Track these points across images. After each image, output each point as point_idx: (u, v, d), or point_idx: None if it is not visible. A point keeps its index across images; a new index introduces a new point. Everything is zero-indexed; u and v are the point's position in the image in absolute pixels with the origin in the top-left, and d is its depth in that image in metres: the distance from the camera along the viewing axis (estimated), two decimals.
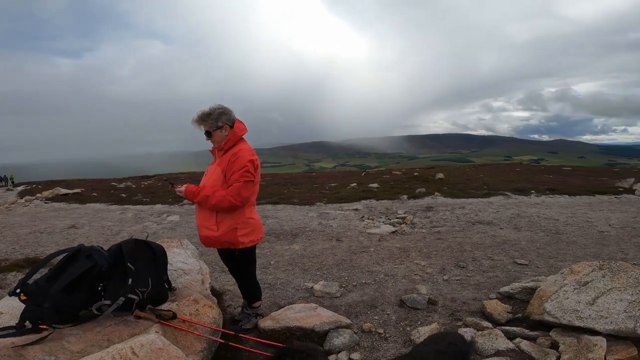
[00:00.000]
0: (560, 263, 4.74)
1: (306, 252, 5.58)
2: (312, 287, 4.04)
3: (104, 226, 8.45)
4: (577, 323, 2.54)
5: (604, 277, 2.80)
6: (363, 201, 10.50)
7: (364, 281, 4.25)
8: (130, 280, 2.16)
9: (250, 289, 3.07)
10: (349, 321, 3.01)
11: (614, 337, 2.42)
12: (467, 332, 2.82)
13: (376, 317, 3.27)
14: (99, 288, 2.15)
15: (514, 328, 2.84)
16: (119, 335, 2.00)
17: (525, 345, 2.60)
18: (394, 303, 3.56)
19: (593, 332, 2.46)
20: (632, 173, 16.82)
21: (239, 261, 2.83)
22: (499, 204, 9.30)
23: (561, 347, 2.47)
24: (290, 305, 3.28)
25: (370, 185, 13.78)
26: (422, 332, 2.87)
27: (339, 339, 2.77)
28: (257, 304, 3.12)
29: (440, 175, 15.25)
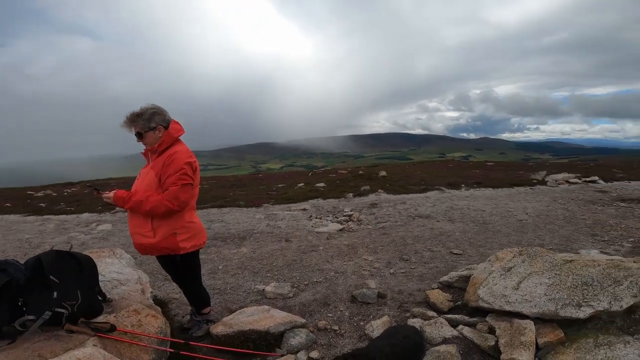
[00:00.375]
0: (488, 251, 5.23)
1: (255, 255, 5.50)
2: (263, 290, 4.01)
3: (21, 239, 7.47)
4: (507, 308, 2.67)
5: (523, 262, 2.98)
6: (310, 201, 10.61)
7: (315, 280, 4.33)
8: (55, 293, 2.01)
9: (197, 295, 2.97)
10: (304, 320, 3.05)
11: (540, 320, 2.56)
12: (415, 322, 2.97)
13: (330, 315, 3.35)
14: (19, 303, 1.97)
15: (456, 316, 3.00)
16: (51, 350, 1.84)
17: (467, 331, 2.73)
18: (346, 299, 3.68)
19: (522, 315, 2.60)
20: (544, 167, 19.20)
21: (182, 267, 2.72)
22: (435, 198, 10.03)
23: (497, 332, 2.60)
24: (242, 309, 3.23)
25: (317, 184, 13.97)
26: (375, 326, 2.98)
27: (296, 339, 2.79)
28: (206, 310, 3.02)
29: (383, 173, 15.98)
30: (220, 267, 4.97)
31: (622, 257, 3.19)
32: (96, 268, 2.39)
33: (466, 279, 3.62)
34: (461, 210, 8.27)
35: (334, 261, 5.04)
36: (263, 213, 8.99)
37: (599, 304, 2.42)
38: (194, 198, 2.67)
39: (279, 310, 3.17)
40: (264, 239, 6.50)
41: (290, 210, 9.23)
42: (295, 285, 4.16)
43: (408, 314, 3.28)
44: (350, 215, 8.23)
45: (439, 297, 3.43)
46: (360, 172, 18.09)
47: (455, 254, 5.22)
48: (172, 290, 4.02)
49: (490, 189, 11.68)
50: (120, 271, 3.02)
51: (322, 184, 13.94)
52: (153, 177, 2.51)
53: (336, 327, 3.11)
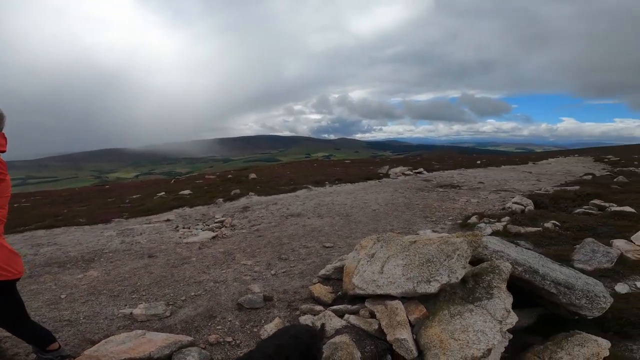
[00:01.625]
0: (354, 241, 5.82)
1: (111, 277, 4.70)
2: (131, 313, 3.48)
3: None
4: (379, 291, 2.87)
5: (382, 247, 3.24)
6: (175, 210, 9.72)
7: (193, 293, 4.01)
8: None
9: (27, 333, 2.38)
10: (190, 338, 2.80)
11: (406, 299, 2.80)
12: (307, 319, 3.02)
13: (219, 327, 3.18)
14: None
15: (340, 306, 3.15)
16: None
17: (353, 319, 2.87)
18: (232, 308, 3.54)
19: (391, 297, 2.82)
20: (387, 162, 22.95)
21: None
22: (304, 196, 10.64)
23: (377, 315, 2.79)
24: (109, 338, 2.75)
25: (182, 192, 12.90)
26: (269, 330, 2.93)
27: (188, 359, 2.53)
28: (54, 346, 2.44)
29: (253, 176, 15.98)
30: (63, 296, 4.05)
31: (448, 234, 3.73)
32: None
33: (341, 269, 3.84)
34: (327, 206, 9.02)
35: (211, 271, 4.76)
36: (115, 229, 7.73)
37: (441, 277, 2.69)
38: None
39: (157, 333, 2.81)
40: (120, 257, 5.62)
41: (150, 223, 8.22)
42: (171, 303, 3.75)
43: (298, 312, 3.35)
44: (222, 221, 7.94)
45: (321, 290, 3.57)
46: (230, 175, 17.62)
47: (328, 247, 5.64)
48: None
49: (349, 184, 13.14)
50: None
51: (187, 191, 12.94)
52: None
53: (230, 339, 2.96)
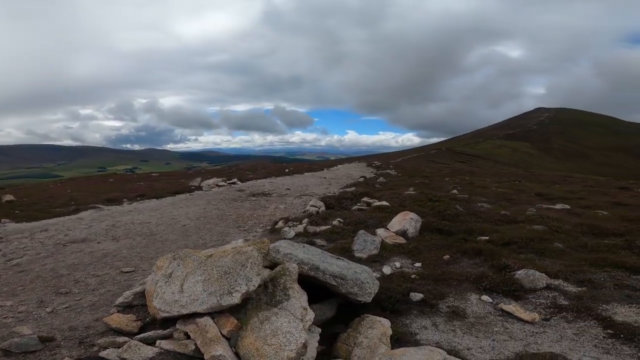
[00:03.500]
0: None
1: None
2: None
3: None
4: (184, 311, 2.72)
5: (179, 265, 3.09)
6: None
7: None
8: None
9: None
10: None
11: (217, 313, 2.73)
12: (110, 354, 2.67)
13: None
14: None
15: (149, 333, 2.87)
16: None
17: (166, 344, 2.66)
18: None
19: (200, 314, 2.71)
20: (201, 174, 21.94)
21: None
22: (91, 218, 8.83)
23: (192, 335, 2.63)
24: None
25: None
26: None
27: None
28: None
29: (10, 197, 11.98)
30: None
31: (242, 244, 3.75)
32: None
33: (143, 294, 3.51)
34: (125, 226, 7.80)
35: None
36: None
37: (241, 287, 2.73)
38: None
39: None
40: None
41: None
42: None
43: (96, 348, 2.90)
44: None
45: (121, 320, 3.17)
46: None
47: (127, 272, 4.94)
48: None
49: (155, 199, 11.83)
50: None
51: None
52: None
53: None
